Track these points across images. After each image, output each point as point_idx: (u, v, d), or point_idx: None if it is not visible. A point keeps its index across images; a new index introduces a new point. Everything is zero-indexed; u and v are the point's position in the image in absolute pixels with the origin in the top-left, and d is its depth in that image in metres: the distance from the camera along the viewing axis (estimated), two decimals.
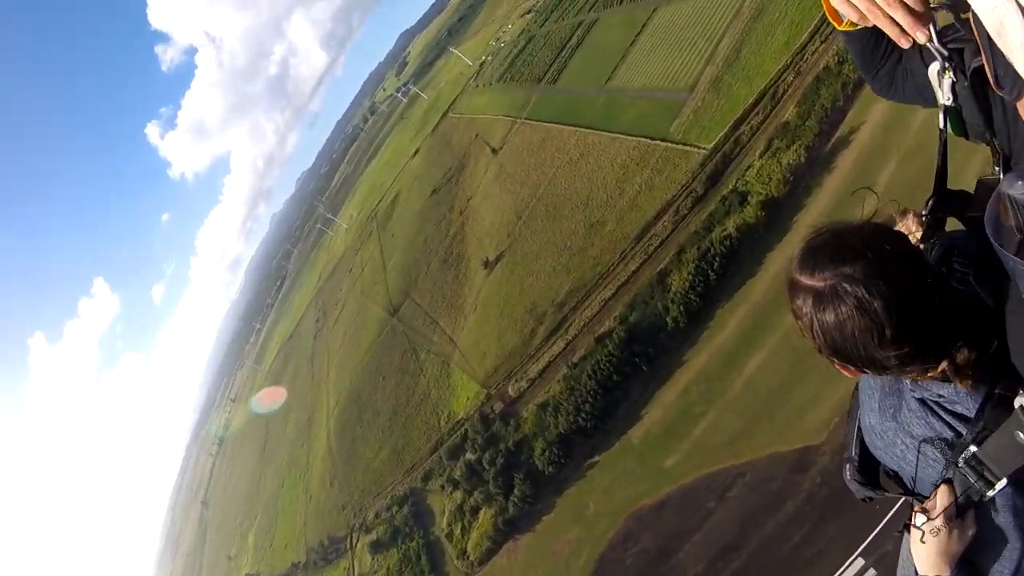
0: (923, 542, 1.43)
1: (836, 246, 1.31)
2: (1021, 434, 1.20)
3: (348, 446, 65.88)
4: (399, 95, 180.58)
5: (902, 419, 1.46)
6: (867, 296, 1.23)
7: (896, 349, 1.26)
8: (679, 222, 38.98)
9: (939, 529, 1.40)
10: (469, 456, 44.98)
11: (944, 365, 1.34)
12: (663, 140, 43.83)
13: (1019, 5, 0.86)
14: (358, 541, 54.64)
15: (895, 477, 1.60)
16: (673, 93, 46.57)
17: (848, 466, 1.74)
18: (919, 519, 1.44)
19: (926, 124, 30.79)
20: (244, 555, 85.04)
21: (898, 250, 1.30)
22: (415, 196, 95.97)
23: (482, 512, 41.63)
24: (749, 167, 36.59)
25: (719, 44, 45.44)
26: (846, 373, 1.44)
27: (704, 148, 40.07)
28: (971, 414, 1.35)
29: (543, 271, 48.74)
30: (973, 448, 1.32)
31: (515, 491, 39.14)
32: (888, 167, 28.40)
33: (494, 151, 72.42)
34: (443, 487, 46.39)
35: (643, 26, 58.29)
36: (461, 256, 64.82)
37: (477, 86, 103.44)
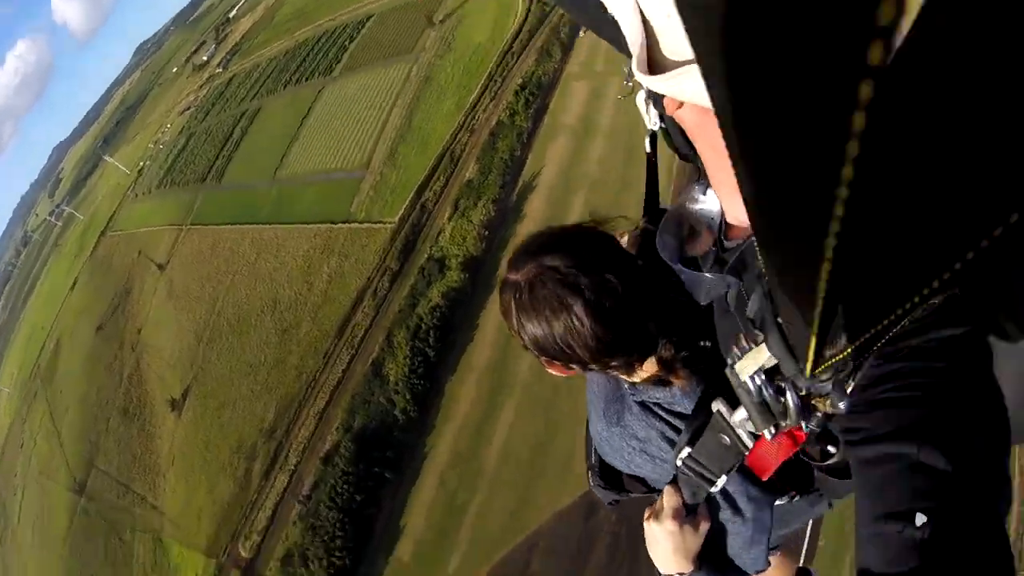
0: (658, 543, 1.43)
1: (541, 242, 1.31)
2: (725, 437, 1.19)
3: None
4: (52, 219, 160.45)
5: (625, 423, 1.44)
6: (566, 287, 1.22)
7: (595, 342, 1.23)
8: (380, 305, 35.09)
9: (671, 530, 1.39)
10: None
11: (654, 365, 1.35)
12: (345, 222, 40.34)
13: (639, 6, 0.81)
14: None
15: (639, 478, 1.60)
16: (348, 172, 43.94)
17: (590, 473, 1.75)
18: (650, 523, 1.43)
19: (606, 155, 31.61)
20: None
21: (603, 246, 1.29)
22: (80, 338, 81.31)
23: None
24: (441, 232, 34.77)
25: (390, 115, 44.49)
26: (554, 371, 1.41)
27: (390, 222, 37.38)
28: (688, 412, 1.36)
29: (241, 397, 40.60)
30: (688, 449, 1.31)
31: None
32: (578, 200, 28.95)
33: (160, 267, 62.23)
34: None
35: (309, 108, 56.13)
36: (143, 401, 53.56)
37: (136, 196, 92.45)
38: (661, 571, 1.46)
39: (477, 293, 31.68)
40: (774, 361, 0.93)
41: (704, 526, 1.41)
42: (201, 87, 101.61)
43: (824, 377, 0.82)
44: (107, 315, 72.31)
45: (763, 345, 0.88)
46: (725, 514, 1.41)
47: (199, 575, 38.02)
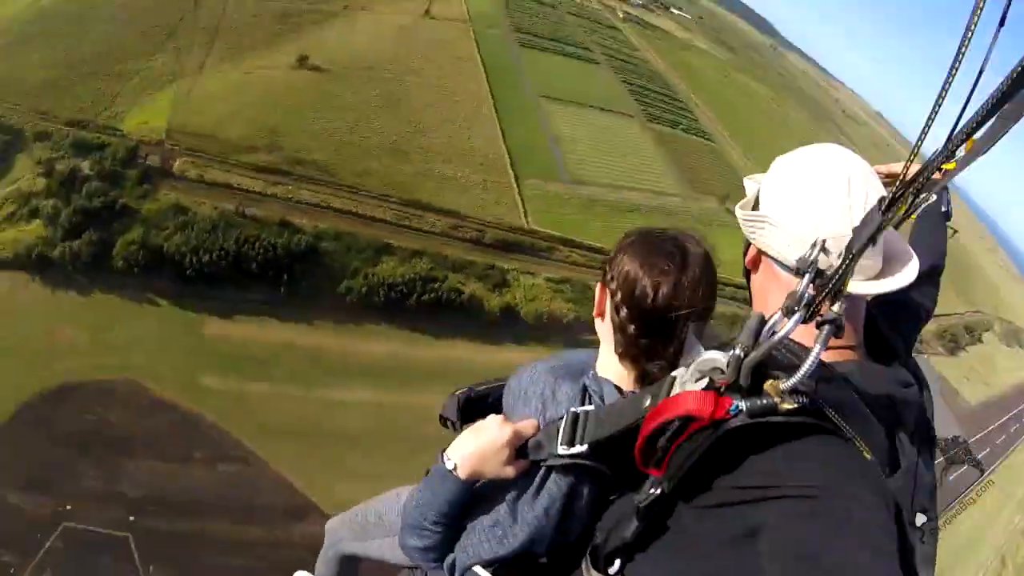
0: (477, 437, 1.42)
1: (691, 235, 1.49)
2: (650, 397, 1.18)
3: (36, 31, 45.07)
4: None
5: (559, 382, 1.47)
6: (690, 251, 1.42)
7: (653, 312, 1.38)
8: (447, 236, 35.78)
9: (496, 440, 1.39)
10: (84, 166, 34.23)
11: (633, 377, 1.46)
12: (515, 178, 41.59)
13: None
14: None
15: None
16: None
17: (466, 389, 1.84)
18: (493, 419, 1.45)
19: None
20: None
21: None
22: None
23: (36, 223, 31.08)
24: (531, 274, 35.75)
25: None
26: (599, 296, 1.53)
27: (527, 221, 38.54)
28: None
29: (322, 119, 40.81)
30: (591, 407, 1.36)
31: (76, 243, 29.84)
32: None
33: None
34: (40, 163, 34.25)
35: None
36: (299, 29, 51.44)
37: None
38: (447, 451, 1.46)
39: (484, 331, 31.94)
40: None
41: (509, 471, 1.41)
42: None
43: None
44: None
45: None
46: (517, 494, 1.42)
47: (146, 125, 37.64)
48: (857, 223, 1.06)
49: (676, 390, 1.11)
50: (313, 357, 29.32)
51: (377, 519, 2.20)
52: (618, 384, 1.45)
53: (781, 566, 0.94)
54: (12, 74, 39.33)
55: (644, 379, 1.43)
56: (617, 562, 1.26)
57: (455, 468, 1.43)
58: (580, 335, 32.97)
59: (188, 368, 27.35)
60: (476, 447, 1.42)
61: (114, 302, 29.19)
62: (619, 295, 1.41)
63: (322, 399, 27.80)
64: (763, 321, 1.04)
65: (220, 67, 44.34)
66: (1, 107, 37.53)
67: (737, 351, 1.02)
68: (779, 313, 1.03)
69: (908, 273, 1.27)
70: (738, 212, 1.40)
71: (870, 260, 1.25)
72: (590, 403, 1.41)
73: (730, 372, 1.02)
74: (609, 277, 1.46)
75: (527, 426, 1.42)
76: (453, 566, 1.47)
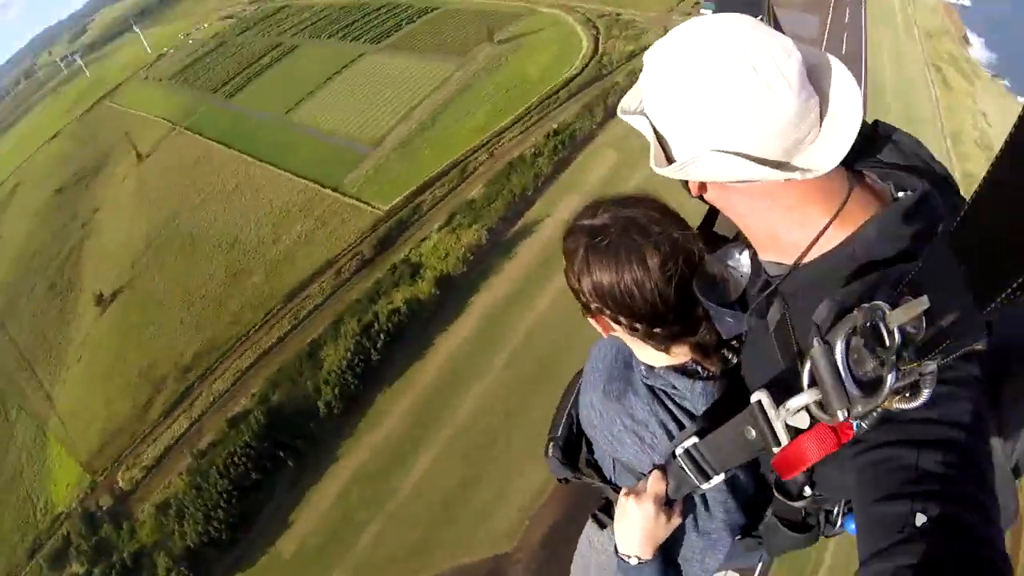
0: (630, 522, 1.42)
1: (622, 197, 1.34)
2: (752, 430, 1.13)
3: None
4: (61, 64, 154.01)
5: (626, 403, 1.45)
6: (647, 240, 1.25)
7: (658, 303, 1.26)
8: (340, 286, 33.53)
9: (648, 514, 1.39)
10: (76, 569, 31.52)
11: (686, 352, 1.37)
12: (334, 190, 38.79)
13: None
14: None
15: (594, 466, 1.64)
16: (356, 143, 42.48)
17: (551, 445, 1.78)
18: (629, 500, 1.43)
19: None
20: None
21: (679, 220, 1.33)
22: (38, 191, 76.54)
23: None
24: (426, 239, 33.61)
25: (417, 107, 43.36)
26: (596, 325, 1.43)
27: (379, 209, 36.13)
28: (697, 412, 1.37)
29: (168, 322, 38.27)
30: (695, 439, 1.28)
31: None
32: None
33: (140, 157, 59.28)
34: None
35: (344, 67, 54.46)
36: (73, 283, 49.96)
37: (147, 78, 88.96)
38: (620, 549, 1.47)
39: (441, 314, 30.44)
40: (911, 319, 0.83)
41: (676, 520, 1.42)
42: (253, 2, 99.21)
43: (928, 362, 0.83)
44: (71, 181, 68.49)
45: (923, 297, 0.80)
46: (695, 517, 1.44)
47: (71, 485, 35.11)
48: (790, 95, 0.95)
49: (777, 426, 1.06)
50: (366, 477, 27.74)
51: (598, 569, 1.98)
52: (675, 365, 1.40)
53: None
54: None
55: (701, 351, 1.38)
56: (807, 489, 1.28)
57: (638, 560, 1.45)
58: (503, 237, 32.19)
59: None
60: (639, 532, 1.42)
61: None
62: (618, 316, 1.33)
63: (408, 493, 26.59)
64: (831, 352, 0.90)
65: (59, 380, 41.56)
66: None
67: (838, 410, 0.91)
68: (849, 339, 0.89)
69: (847, 98, 1.03)
70: (659, 170, 1.12)
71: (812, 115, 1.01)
72: (668, 400, 1.39)
73: (837, 417, 0.92)
74: (594, 307, 1.36)
75: (657, 484, 1.40)
76: None
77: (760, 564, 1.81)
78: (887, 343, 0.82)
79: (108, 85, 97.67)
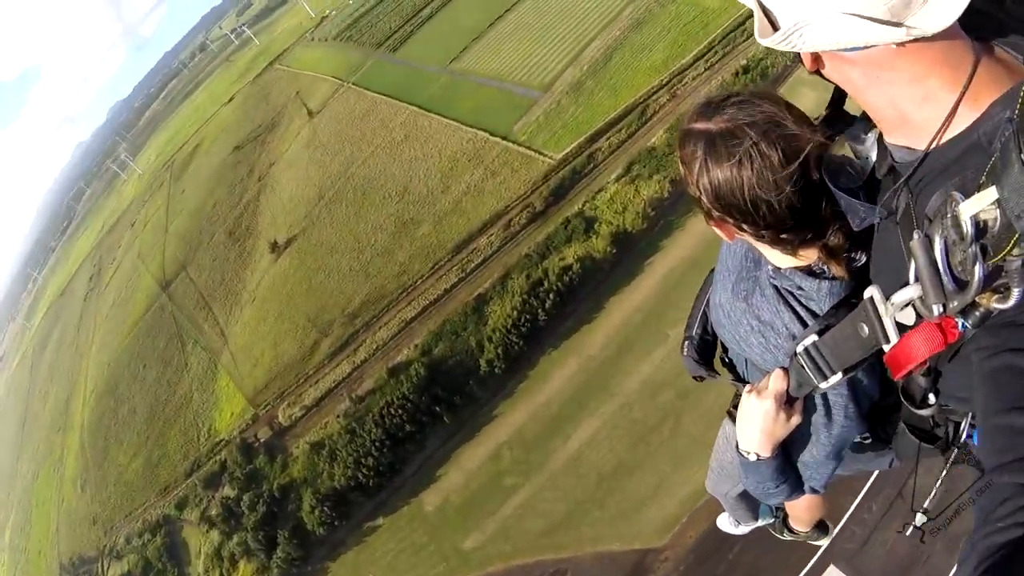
0: (751, 419, 1.45)
1: (739, 97, 1.24)
2: (865, 327, 1.13)
3: (101, 445, 52.96)
4: (232, 36, 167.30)
5: (753, 302, 1.43)
6: (769, 140, 1.17)
7: (783, 204, 1.20)
8: (509, 239, 31.82)
9: (768, 410, 1.41)
10: (228, 492, 34.91)
11: (813, 253, 1.33)
12: (504, 139, 36.81)
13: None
14: (108, 568, 43.03)
15: (729, 365, 1.67)
16: (525, 88, 40.07)
17: (687, 343, 1.80)
18: (750, 397, 1.46)
19: None
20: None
21: (801, 114, 1.24)
22: (217, 149, 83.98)
23: (241, 565, 31.77)
24: (601, 191, 30.62)
25: (588, 46, 39.89)
26: (717, 230, 1.39)
27: (551, 157, 33.60)
28: (822, 313, 1.33)
29: (337, 269, 39.31)
30: (814, 337, 1.28)
31: (279, 549, 29.88)
32: None
33: (311, 114, 62.04)
34: (199, 522, 35.99)
35: (506, 11, 52.02)
36: (250, 231, 53.87)
37: (312, 39, 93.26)
38: (740, 446, 1.51)
39: (616, 274, 27.61)
40: (986, 207, 0.81)
41: (796, 420, 1.43)
42: None
43: (1016, 253, 0.79)
44: (247, 139, 74.38)
45: (991, 188, 0.77)
46: (815, 419, 1.43)
47: (235, 415, 38.36)
48: None
49: (887, 323, 1.07)
50: (521, 441, 26.45)
51: (730, 465, 2.15)
52: (802, 267, 1.36)
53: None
54: (118, 486, 43.50)
55: (829, 253, 1.31)
56: (931, 396, 1.23)
57: (757, 456, 1.49)
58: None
59: (447, 549, 25.74)
60: (758, 430, 1.45)
61: (349, 559, 28.65)
62: (736, 218, 1.28)
63: (562, 465, 24.80)
64: (931, 245, 0.89)
65: (233, 319, 45.05)
66: (139, 514, 40.73)
67: (932, 304, 0.91)
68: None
69: None
70: (763, 42, 1.05)
71: None
72: (793, 301, 1.36)
73: (966, 298, 0.88)
74: (716, 215, 1.32)
75: (778, 382, 1.41)
76: (814, 489, 1.57)
77: (891, 466, 1.63)
78: (965, 235, 0.80)
79: (276, 50, 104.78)
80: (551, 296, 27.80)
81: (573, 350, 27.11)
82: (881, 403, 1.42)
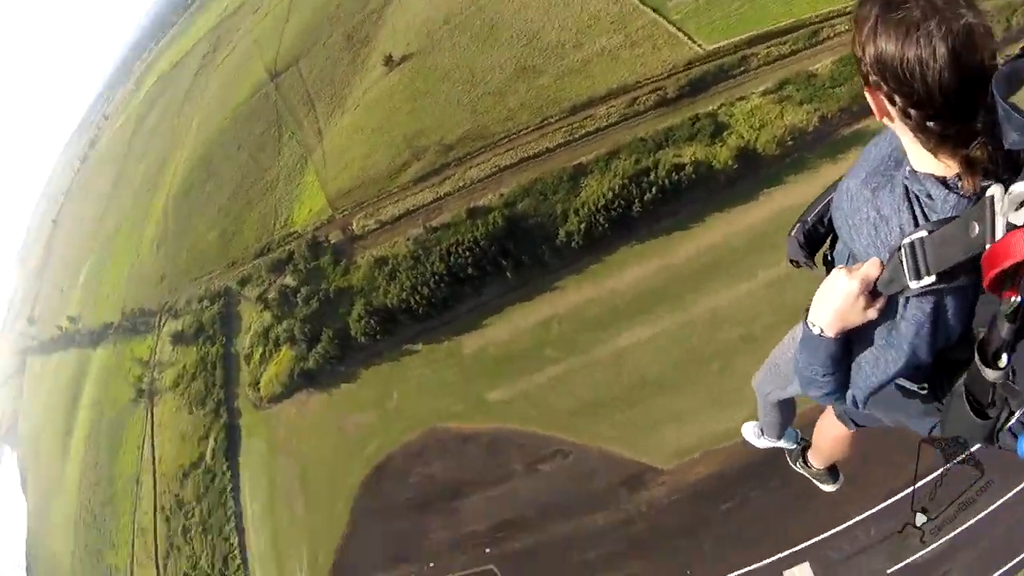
0: (831, 295, 1.45)
1: None
2: (976, 225, 1.16)
3: (184, 211, 56.17)
4: None
5: (879, 195, 1.42)
6: (941, 23, 1.14)
7: (938, 88, 1.16)
8: (629, 118, 30.19)
9: (850, 290, 1.41)
10: (288, 280, 37.30)
11: (954, 163, 1.29)
12: (655, 11, 33.66)
13: None
14: (165, 324, 47.87)
15: (829, 265, 1.68)
16: None
17: (799, 225, 1.83)
18: (839, 273, 1.45)
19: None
20: (72, 291, 75.44)
21: (980, 10, 1.20)
22: None
23: (284, 349, 34.71)
24: (744, 99, 28.49)
25: None
26: (872, 103, 1.36)
27: (700, 47, 31.00)
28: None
29: (446, 97, 38.22)
30: (924, 233, 1.28)
31: (320, 345, 32.39)
32: None
33: None
34: (256, 301, 38.84)
35: None
36: (368, 40, 51.96)
37: None
38: (810, 316, 1.51)
39: (730, 191, 26.31)
40: None
41: (872, 313, 1.42)
42: None
43: None
44: None
45: None
46: (889, 326, 1.42)
47: (313, 211, 39.87)
48: None
49: (999, 221, 1.11)
50: (575, 319, 26.90)
51: (786, 365, 2.24)
52: (939, 175, 1.33)
53: None
54: (191, 252, 46.23)
55: (968, 165, 1.27)
56: (1004, 356, 1.25)
57: (822, 332, 1.48)
58: (836, 133, 25.77)
59: (472, 393, 27.21)
60: (833, 307, 1.44)
61: (381, 371, 30.67)
62: (893, 92, 1.25)
63: (606, 357, 25.28)
64: None
65: (333, 121, 45.23)
66: (204, 281, 43.91)
67: None
68: None
69: None
70: None
71: None
72: (917, 205, 1.34)
73: None
74: (872, 79, 1.29)
75: (871, 268, 1.40)
76: (854, 400, 1.56)
77: (929, 434, 1.65)
78: None
79: None
80: (653, 190, 26.92)
81: (658, 251, 26.67)
82: (952, 355, 1.41)
